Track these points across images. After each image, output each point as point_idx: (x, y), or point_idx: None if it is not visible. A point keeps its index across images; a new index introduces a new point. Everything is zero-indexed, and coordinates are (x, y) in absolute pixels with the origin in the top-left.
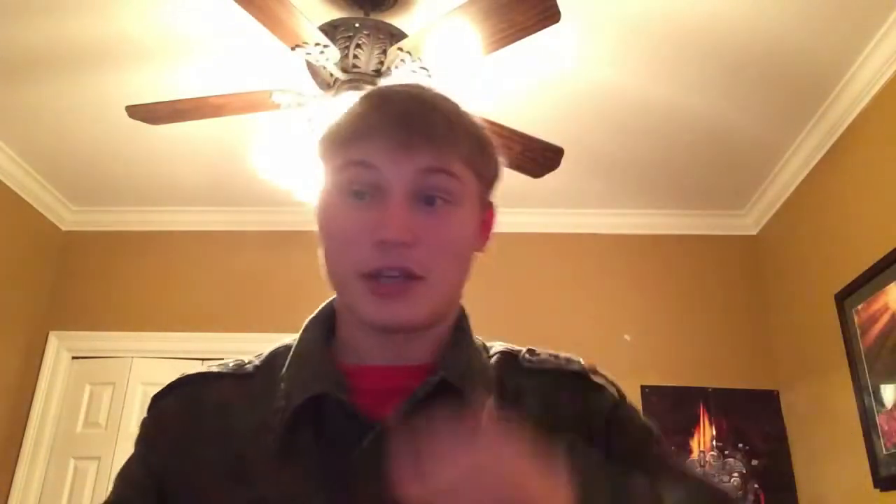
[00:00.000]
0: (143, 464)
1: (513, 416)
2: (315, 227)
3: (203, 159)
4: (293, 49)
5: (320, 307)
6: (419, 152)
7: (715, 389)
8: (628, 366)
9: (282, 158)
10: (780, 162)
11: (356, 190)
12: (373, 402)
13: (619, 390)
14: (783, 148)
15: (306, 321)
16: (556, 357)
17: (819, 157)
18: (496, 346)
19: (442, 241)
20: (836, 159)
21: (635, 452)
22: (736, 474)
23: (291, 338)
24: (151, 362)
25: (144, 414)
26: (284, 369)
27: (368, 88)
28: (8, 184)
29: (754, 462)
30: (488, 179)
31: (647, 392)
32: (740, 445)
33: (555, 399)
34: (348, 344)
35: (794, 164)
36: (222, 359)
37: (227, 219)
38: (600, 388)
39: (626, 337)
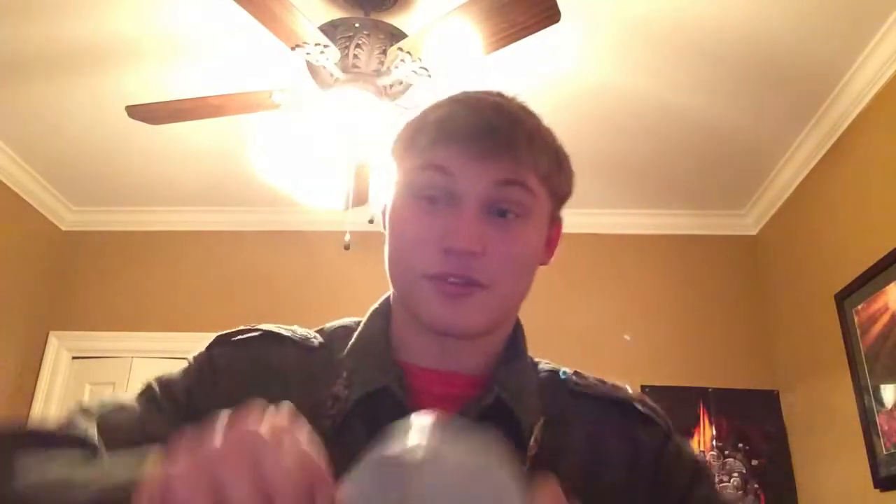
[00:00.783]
0: (186, 393)
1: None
2: (311, 229)
3: (203, 159)
4: (293, 49)
5: (381, 299)
6: (498, 164)
7: (715, 389)
8: (628, 366)
9: (281, 159)
10: (780, 162)
11: (430, 195)
12: (425, 405)
13: (667, 422)
14: (783, 148)
15: (370, 310)
16: (604, 383)
17: (819, 157)
18: (542, 365)
19: (509, 254)
20: (836, 159)
21: (684, 489)
22: (736, 474)
23: (351, 320)
24: (151, 362)
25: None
26: (346, 353)
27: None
28: (8, 184)
29: (754, 462)
30: (561, 196)
31: (647, 392)
32: (740, 445)
33: (601, 428)
34: (402, 342)
35: (794, 164)
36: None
37: (227, 219)
38: (649, 420)
39: (626, 337)
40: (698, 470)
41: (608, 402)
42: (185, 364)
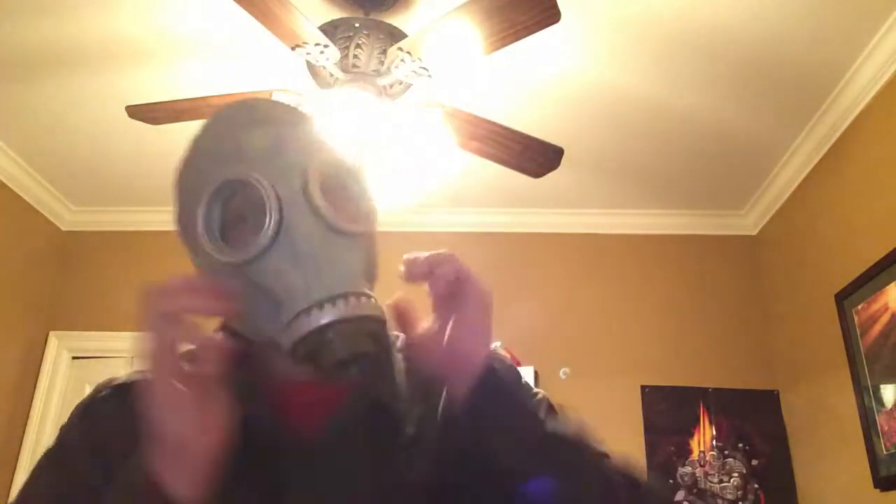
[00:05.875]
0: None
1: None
2: None
3: None
4: (293, 49)
5: None
6: None
7: (715, 389)
8: (628, 366)
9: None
10: (780, 162)
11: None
12: (303, 415)
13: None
14: (783, 148)
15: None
16: None
17: (819, 157)
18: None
19: None
20: (836, 159)
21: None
22: (736, 474)
23: None
24: None
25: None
26: None
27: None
28: (8, 184)
29: (754, 462)
30: None
31: (647, 392)
32: (740, 445)
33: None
34: (264, 364)
35: (794, 164)
36: None
37: None
38: None
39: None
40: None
41: None
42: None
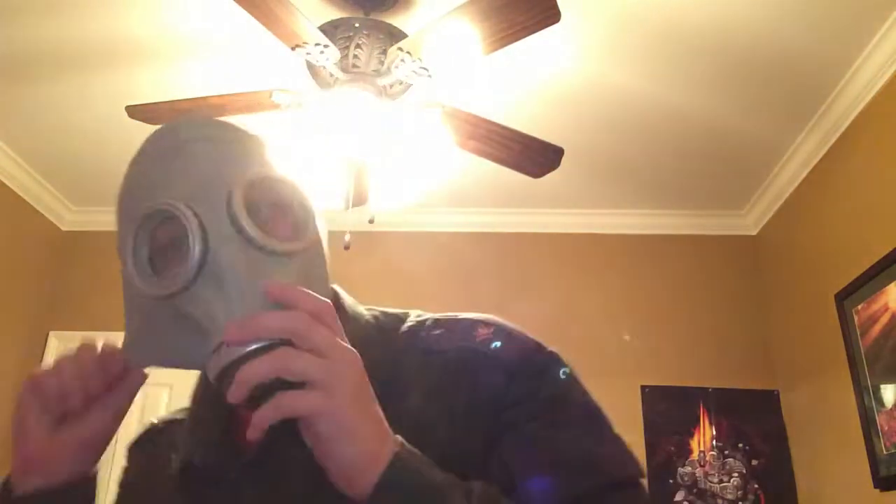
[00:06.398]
0: None
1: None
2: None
3: None
4: (293, 49)
5: None
6: None
7: (715, 389)
8: (628, 366)
9: (281, 159)
10: (780, 162)
11: None
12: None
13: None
14: (783, 148)
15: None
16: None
17: (819, 157)
18: (410, 317)
19: None
20: (836, 159)
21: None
22: (736, 474)
23: None
24: None
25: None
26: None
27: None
28: (8, 184)
29: (754, 462)
30: None
31: (647, 392)
32: (740, 445)
33: (448, 380)
34: None
35: (794, 164)
36: None
37: None
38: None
39: (626, 337)
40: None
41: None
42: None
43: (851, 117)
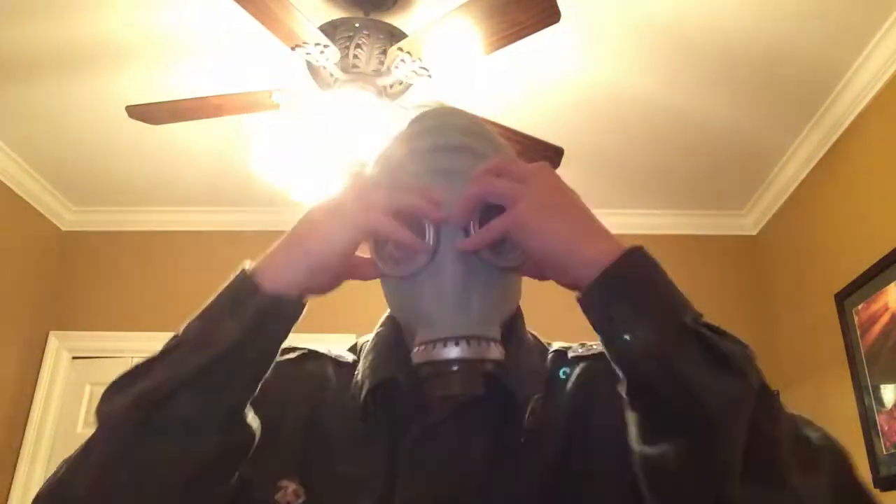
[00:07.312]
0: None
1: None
2: None
3: (203, 159)
4: (293, 49)
5: None
6: None
7: None
8: None
9: (280, 159)
10: (780, 162)
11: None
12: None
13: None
14: (783, 148)
15: (383, 316)
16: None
17: (819, 157)
18: (553, 346)
19: None
20: (836, 159)
21: None
22: None
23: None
24: None
25: None
26: (363, 356)
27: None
28: (8, 184)
29: None
30: None
31: None
32: None
33: (591, 378)
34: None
35: (794, 164)
36: None
37: (227, 219)
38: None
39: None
40: None
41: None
42: None
43: (851, 117)
